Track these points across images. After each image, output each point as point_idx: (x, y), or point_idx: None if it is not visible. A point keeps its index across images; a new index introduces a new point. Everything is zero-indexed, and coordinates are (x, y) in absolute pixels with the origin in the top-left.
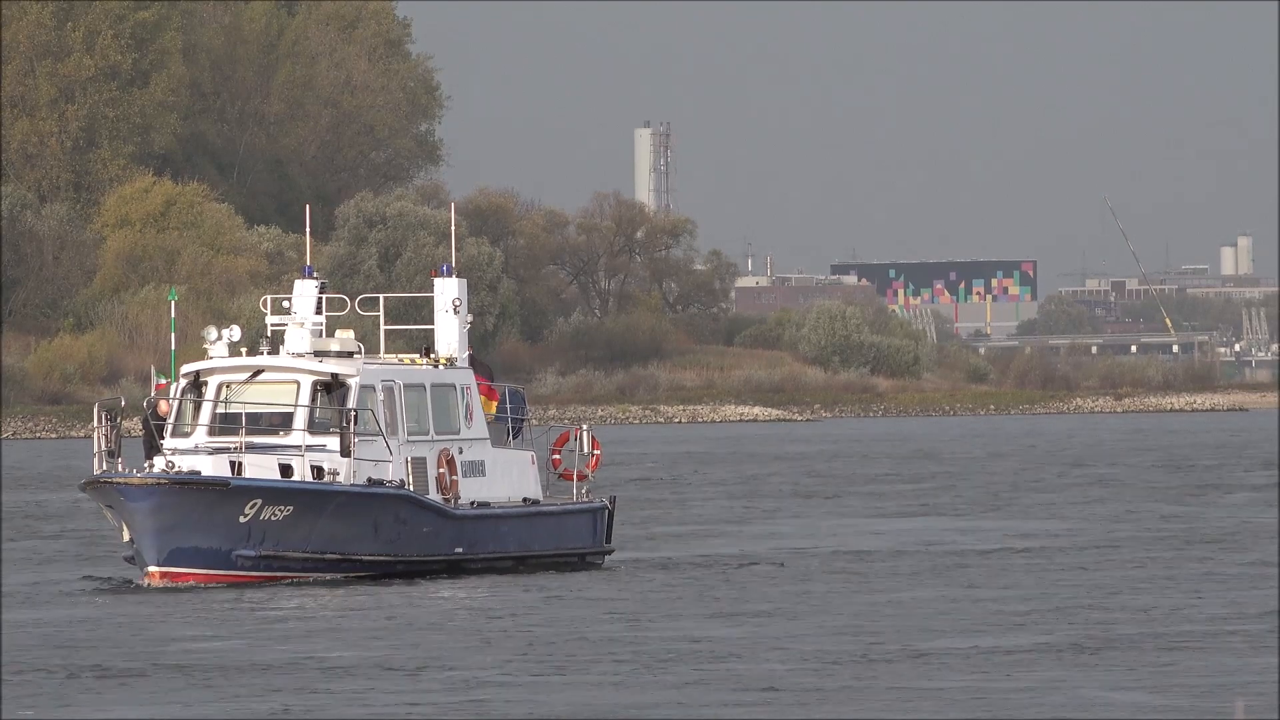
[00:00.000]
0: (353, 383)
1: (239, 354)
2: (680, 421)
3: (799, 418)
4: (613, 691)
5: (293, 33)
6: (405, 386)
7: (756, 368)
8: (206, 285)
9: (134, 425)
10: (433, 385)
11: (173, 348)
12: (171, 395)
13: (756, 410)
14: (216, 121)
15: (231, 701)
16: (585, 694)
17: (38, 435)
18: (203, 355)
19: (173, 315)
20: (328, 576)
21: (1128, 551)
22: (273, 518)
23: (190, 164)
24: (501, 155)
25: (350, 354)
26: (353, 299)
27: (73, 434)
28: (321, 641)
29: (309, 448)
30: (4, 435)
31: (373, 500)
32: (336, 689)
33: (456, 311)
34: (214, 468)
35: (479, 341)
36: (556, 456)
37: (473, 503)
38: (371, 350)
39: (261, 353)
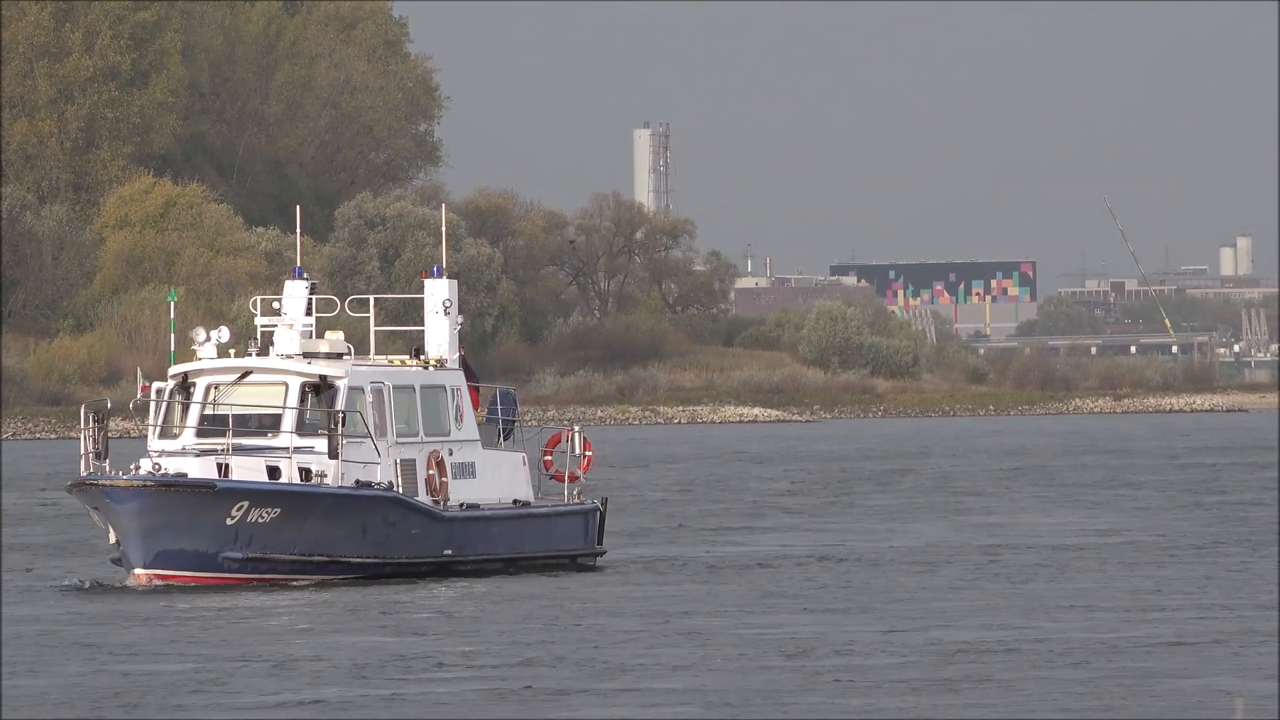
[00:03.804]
0: (341, 384)
1: (228, 356)
2: (680, 422)
3: (798, 419)
4: None
5: (292, 33)
6: (394, 388)
7: (756, 369)
8: (206, 286)
9: (131, 426)
10: (422, 387)
11: (172, 349)
12: (163, 397)
13: (756, 411)
14: (216, 122)
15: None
16: None
17: (37, 436)
18: (194, 357)
19: (172, 316)
20: (315, 579)
21: None
22: (260, 520)
23: (190, 165)
24: (501, 155)
25: (339, 355)
26: (349, 300)
27: (72, 435)
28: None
29: (297, 449)
30: (3, 436)
31: (361, 502)
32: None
33: (447, 313)
34: (201, 470)
35: (478, 343)
36: (548, 458)
37: (462, 504)
38: (365, 352)
39: (250, 354)
